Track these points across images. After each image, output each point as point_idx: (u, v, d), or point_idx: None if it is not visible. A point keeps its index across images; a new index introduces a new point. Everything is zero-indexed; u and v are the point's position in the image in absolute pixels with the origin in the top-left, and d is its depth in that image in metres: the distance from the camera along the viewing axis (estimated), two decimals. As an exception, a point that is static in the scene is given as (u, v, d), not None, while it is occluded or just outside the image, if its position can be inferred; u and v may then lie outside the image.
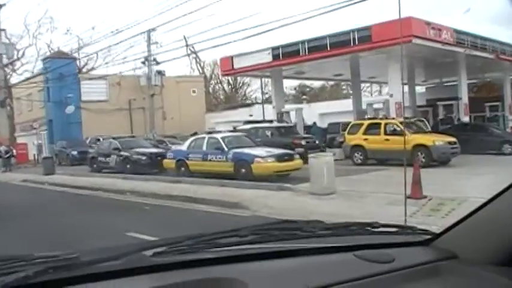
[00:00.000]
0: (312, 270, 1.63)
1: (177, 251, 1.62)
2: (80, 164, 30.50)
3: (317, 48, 24.20)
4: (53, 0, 74.94)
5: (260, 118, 35.86)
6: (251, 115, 41.72)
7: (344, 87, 68.00)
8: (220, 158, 18.04)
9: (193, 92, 48.60)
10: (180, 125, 43.01)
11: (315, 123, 32.12)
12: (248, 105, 49.34)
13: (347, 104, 43.55)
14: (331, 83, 62.54)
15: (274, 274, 1.60)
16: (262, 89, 46.16)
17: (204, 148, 18.89)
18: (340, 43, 23.33)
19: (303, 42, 24.79)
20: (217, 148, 18.29)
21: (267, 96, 50.44)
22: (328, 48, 23.76)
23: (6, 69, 41.57)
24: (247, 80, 62.13)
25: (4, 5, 35.17)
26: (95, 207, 14.80)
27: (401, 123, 20.87)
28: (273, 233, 1.88)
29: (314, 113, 40.37)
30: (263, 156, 17.00)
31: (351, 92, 66.98)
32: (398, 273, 1.64)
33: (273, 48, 26.00)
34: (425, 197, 12.13)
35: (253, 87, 64.87)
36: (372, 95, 58.39)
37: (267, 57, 26.21)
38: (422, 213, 10.48)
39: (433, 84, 39.42)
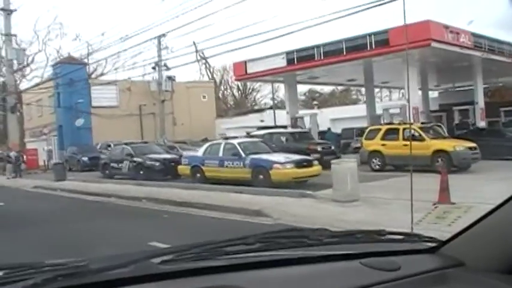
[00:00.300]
0: (319, 278, 1.64)
1: (184, 259, 1.63)
2: (91, 170, 30.35)
3: (333, 52, 23.87)
4: (63, 6, 74.81)
5: (271, 124, 35.60)
6: (262, 121, 41.44)
7: (354, 92, 67.83)
8: (237, 164, 17.69)
9: (204, 97, 48.38)
10: (190, 130, 42.80)
11: (329, 128, 31.70)
12: (259, 110, 49.00)
13: (359, 110, 43.26)
14: (341, 88, 62.49)
15: (281, 282, 1.60)
16: (273, 94, 45.84)
17: (221, 154, 18.53)
18: (356, 47, 22.98)
19: (318, 46, 24.46)
20: (234, 154, 17.93)
21: (277, 101, 50.29)
22: (344, 53, 23.41)
23: (16, 75, 41.47)
24: (257, 85, 61.93)
25: (15, 10, 35.01)
26: (111, 214, 14.45)
27: (420, 128, 20.50)
28: (280, 241, 1.89)
29: (325, 119, 39.92)
30: (282, 163, 16.63)
31: (361, 97, 67.57)
32: (405, 281, 1.63)
33: (287, 53, 25.68)
34: (453, 203, 11.76)
35: (263, 92, 64.71)
36: (381, 100, 57.92)
37: (281, 62, 25.90)
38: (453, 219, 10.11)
39: (445, 89, 38.99)
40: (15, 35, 35.91)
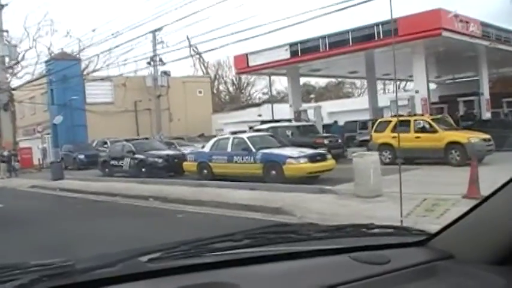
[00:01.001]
0: (308, 273, 1.63)
1: (172, 257, 1.62)
2: (87, 168, 29.61)
3: (338, 43, 23.22)
4: (53, 2, 73.59)
5: (269, 118, 34.94)
6: (260, 115, 40.85)
7: (348, 85, 67.37)
8: (247, 159, 16.99)
9: (200, 92, 47.71)
10: (186, 126, 42.23)
11: (335, 121, 30.90)
12: (256, 105, 48.37)
13: (357, 103, 42.88)
14: (335, 81, 61.97)
15: (270, 278, 1.60)
16: (270, 88, 45.12)
17: (229, 149, 17.83)
18: (363, 37, 22.33)
19: (323, 37, 23.86)
20: (243, 149, 17.23)
21: (274, 95, 49.70)
22: (351, 43, 22.76)
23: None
24: (251, 79, 61.29)
25: (6, 5, 34.04)
26: (121, 215, 13.68)
27: (433, 119, 19.93)
28: (268, 236, 1.87)
29: (323, 112, 39.42)
30: (295, 157, 15.95)
31: (355, 91, 67.15)
32: (394, 274, 1.63)
33: (291, 45, 25.06)
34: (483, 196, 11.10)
35: (258, 87, 64.08)
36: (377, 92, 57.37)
37: (285, 54, 25.23)
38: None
39: (445, 80, 38.52)
40: (7, 31, 34.96)
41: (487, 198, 1.70)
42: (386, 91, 52.40)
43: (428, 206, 11.02)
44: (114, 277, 1.46)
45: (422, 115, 21.14)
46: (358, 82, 62.06)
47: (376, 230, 2.05)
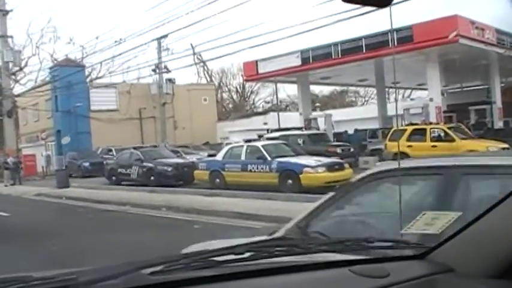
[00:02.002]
0: (308, 286, 1.65)
1: (174, 270, 1.60)
2: (92, 176, 29.15)
3: (351, 50, 22.80)
4: (57, 8, 73.43)
5: (274, 126, 34.55)
6: (266, 123, 40.50)
7: (351, 94, 67.05)
8: (262, 168, 16.53)
9: (205, 100, 47.35)
10: (191, 134, 41.88)
11: (356, 130, 30.28)
12: (262, 113, 48.00)
13: (363, 111, 42.51)
14: (339, 90, 61.67)
15: None
16: (277, 96, 44.72)
17: (243, 157, 17.38)
18: (377, 44, 21.90)
19: (335, 44, 23.43)
20: (258, 157, 16.78)
21: (275, 104, 49.28)
22: (364, 51, 22.35)
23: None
24: (256, 88, 60.97)
25: (11, 10, 33.74)
26: (134, 226, 13.19)
27: (449, 128, 19.52)
28: (269, 249, 1.86)
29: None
30: (313, 166, 15.52)
31: (354, 99, 66.78)
32: None
33: (302, 51, 24.65)
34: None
35: (262, 95, 63.71)
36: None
37: (296, 61, 24.82)
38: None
39: (453, 89, 38.13)
40: (11, 37, 34.61)
41: (487, 211, 1.69)
42: (392, 99, 51.95)
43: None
44: None
45: (437, 123, 20.72)
46: (361, 91, 61.81)
47: (375, 243, 2.02)
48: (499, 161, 3.08)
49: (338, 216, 3.58)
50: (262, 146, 17.35)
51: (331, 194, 3.69)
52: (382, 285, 1.62)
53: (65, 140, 36.20)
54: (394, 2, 1.88)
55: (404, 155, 20.08)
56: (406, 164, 3.44)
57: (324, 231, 3.14)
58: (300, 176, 15.41)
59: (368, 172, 3.51)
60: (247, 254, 1.76)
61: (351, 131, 31.35)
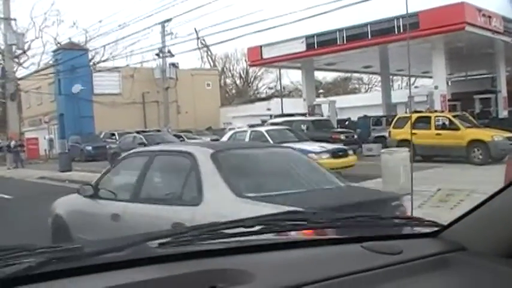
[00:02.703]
0: (319, 261, 1.61)
1: (182, 242, 1.59)
2: (94, 159, 29.15)
3: (357, 36, 22.64)
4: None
5: (278, 112, 34.51)
6: (269, 109, 40.50)
7: (355, 81, 66.84)
8: (266, 154, 16.45)
9: (208, 85, 47.24)
10: (194, 119, 41.84)
11: (365, 115, 29.99)
12: (265, 99, 47.93)
13: (366, 98, 42.38)
14: (342, 77, 61.45)
15: (280, 265, 1.56)
16: (280, 81, 44.64)
17: (247, 143, 17.31)
18: (382, 31, 21.74)
19: (340, 30, 23.25)
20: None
21: (279, 89, 49.20)
22: (369, 37, 22.19)
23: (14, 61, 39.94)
24: (259, 73, 60.80)
25: (14, -7, 33.50)
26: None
27: (454, 116, 19.41)
28: (280, 223, 1.80)
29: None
30: (317, 152, 15.37)
31: (358, 86, 66.58)
32: (406, 265, 1.61)
33: (307, 37, 24.47)
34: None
35: (266, 81, 63.55)
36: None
37: (301, 47, 24.65)
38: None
39: (457, 77, 37.96)
40: (15, 19, 34.33)
41: (500, 190, 1.67)
42: (397, 87, 51.78)
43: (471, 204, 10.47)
44: (122, 261, 1.44)
45: (442, 111, 20.61)
46: (365, 78, 61.61)
47: (388, 221, 2.02)
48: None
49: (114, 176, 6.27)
50: (266, 131, 17.26)
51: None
52: (395, 262, 1.61)
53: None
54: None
55: (408, 143, 20.06)
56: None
57: (108, 188, 5.81)
58: (304, 162, 15.31)
59: (126, 153, 6.86)
60: (257, 228, 1.74)
61: (354, 118, 31.22)
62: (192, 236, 1.63)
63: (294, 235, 1.81)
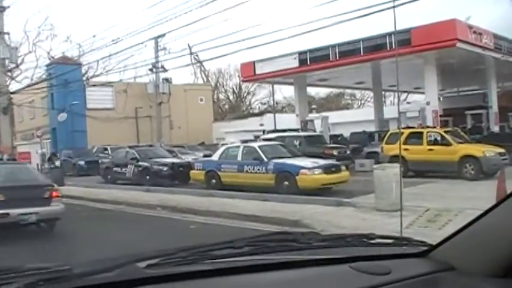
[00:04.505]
0: (308, 282, 1.62)
1: (170, 263, 1.58)
2: (87, 174, 29.05)
3: (349, 52, 22.77)
4: (54, 6, 73.10)
5: (271, 128, 34.49)
6: (262, 124, 40.49)
7: (347, 97, 67.05)
8: (258, 169, 16.46)
9: (201, 100, 47.27)
10: (187, 134, 41.77)
11: (364, 131, 30.03)
12: (258, 114, 47.97)
13: (359, 114, 42.49)
14: (335, 93, 61.62)
15: (269, 286, 1.59)
16: (273, 97, 44.77)
17: (239, 158, 17.32)
18: (375, 47, 21.88)
19: (333, 46, 23.39)
20: (255, 158, 16.71)
21: (271, 105, 49.26)
22: (362, 53, 22.33)
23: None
24: (252, 89, 60.95)
25: (8, 7, 33.40)
26: (130, 225, 13.15)
27: (446, 132, 19.50)
28: (268, 244, 1.85)
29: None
30: (310, 168, 15.45)
31: (351, 102, 66.80)
32: (395, 285, 1.61)
33: (300, 53, 24.59)
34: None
35: (258, 96, 63.69)
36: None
37: (293, 62, 24.77)
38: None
39: (449, 93, 38.17)
40: (8, 33, 34.23)
41: (488, 210, 1.68)
42: (389, 103, 52.02)
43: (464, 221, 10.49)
44: (111, 282, 1.43)
45: (434, 127, 20.70)
46: (358, 93, 61.86)
47: (377, 240, 2.03)
48: None
49: None
50: (259, 146, 17.27)
51: None
52: (383, 283, 1.60)
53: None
54: (397, 4, 1.87)
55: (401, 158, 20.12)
56: None
57: None
58: (297, 177, 15.33)
59: None
60: (246, 249, 1.75)
61: (346, 134, 31.28)
62: (181, 257, 1.63)
63: (282, 256, 1.78)
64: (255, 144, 17.69)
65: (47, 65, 39.70)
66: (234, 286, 1.52)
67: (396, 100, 53.38)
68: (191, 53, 33.68)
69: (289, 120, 33.49)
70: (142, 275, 1.49)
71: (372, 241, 2.01)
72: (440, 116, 33.97)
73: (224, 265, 1.62)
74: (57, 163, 28.88)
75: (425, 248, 1.90)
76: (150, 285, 1.48)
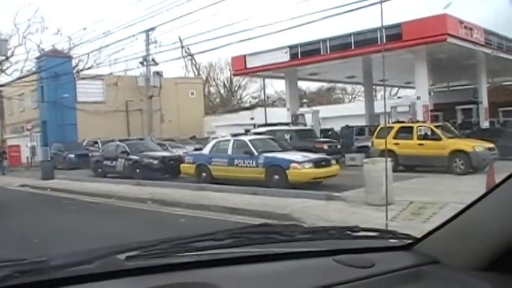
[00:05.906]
0: (290, 275, 1.59)
1: (151, 255, 1.56)
2: (77, 167, 28.98)
3: (340, 46, 22.77)
4: (44, -1, 72.48)
5: (261, 121, 34.47)
6: (252, 118, 40.45)
7: (338, 91, 67.12)
8: (249, 163, 16.45)
9: (192, 94, 47.18)
10: (178, 127, 41.67)
11: (347, 125, 30.08)
12: (249, 108, 47.93)
13: (350, 108, 42.54)
14: (326, 87, 61.66)
15: (250, 279, 1.56)
16: (264, 91, 44.74)
17: (230, 152, 17.29)
18: (366, 41, 21.88)
19: (324, 40, 23.38)
20: (245, 152, 16.70)
21: (262, 99, 49.30)
22: (353, 47, 22.33)
23: (-4, 67, 39.57)
24: (243, 83, 60.89)
25: (-3, -1, 33.24)
26: (120, 218, 13.10)
27: (436, 127, 19.56)
28: (251, 236, 1.82)
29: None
30: (300, 162, 15.45)
31: (342, 96, 66.90)
32: (379, 278, 1.60)
33: (291, 47, 24.57)
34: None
35: (249, 90, 63.63)
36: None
37: (284, 56, 24.74)
38: None
39: (439, 88, 38.31)
40: (-3, 26, 34.09)
41: (473, 203, 1.67)
42: (380, 97, 52.08)
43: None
44: (90, 274, 1.40)
45: (424, 122, 20.77)
46: (349, 88, 61.95)
47: (361, 233, 1.99)
48: None
49: None
50: (249, 140, 17.24)
51: None
52: (367, 276, 1.60)
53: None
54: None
55: (390, 153, 20.16)
56: None
57: None
58: (287, 171, 15.34)
59: None
60: (228, 241, 1.72)
61: (337, 128, 31.30)
62: (162, 249, 1.61)
63: (265, 248, 1.76)
64: (246, 138, 17.67)
65: (37, 58, 39.46)
66: (215, 278, 1.48)
67: (387, 94, 53.70)
68: (182, 46, 33.62)
69: (280, 114, 33.43)
70: (121, 267, 1.47)
71: (356, 234, 1.98)
72: (431, 110, 34.09)
73: (205, 257, 1.61)
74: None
75: (409, 241, 1.89)
76: (130, 277, 1.46)
